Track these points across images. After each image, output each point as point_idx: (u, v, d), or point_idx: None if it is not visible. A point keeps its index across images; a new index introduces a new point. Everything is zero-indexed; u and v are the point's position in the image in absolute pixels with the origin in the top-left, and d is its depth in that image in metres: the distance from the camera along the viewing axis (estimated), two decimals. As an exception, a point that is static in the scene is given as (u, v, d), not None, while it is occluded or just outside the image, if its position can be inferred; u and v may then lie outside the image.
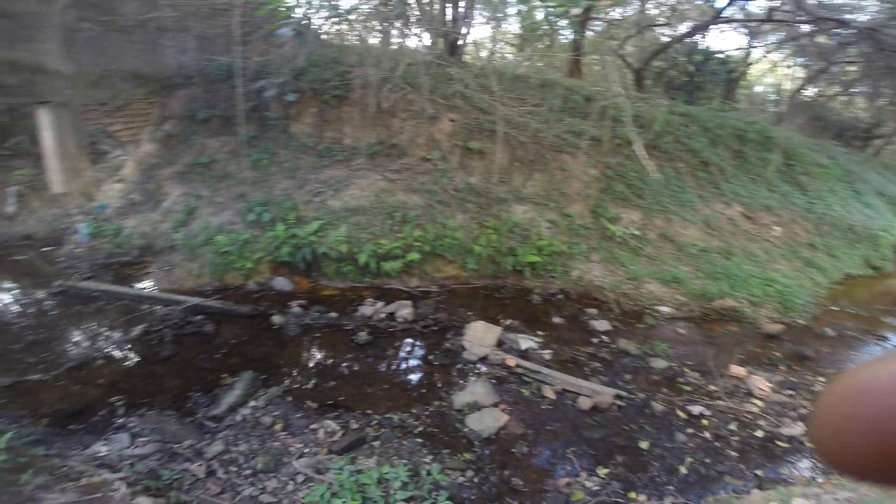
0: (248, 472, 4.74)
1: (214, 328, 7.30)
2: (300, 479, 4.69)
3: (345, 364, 6.70)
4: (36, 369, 6.06)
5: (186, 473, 4.62)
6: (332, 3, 9.92)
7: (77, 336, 7.09)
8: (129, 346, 6.85)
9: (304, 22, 10.00)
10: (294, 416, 5.56)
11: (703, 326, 8.36)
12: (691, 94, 17.26)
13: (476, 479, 4.89)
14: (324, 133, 10.72)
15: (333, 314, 7.79)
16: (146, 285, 8.49)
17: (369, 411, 5.73)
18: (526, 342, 7.25)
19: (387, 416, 5.66)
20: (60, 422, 5.24)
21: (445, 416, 5.76)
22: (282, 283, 8.58)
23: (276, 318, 7.56)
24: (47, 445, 4.64)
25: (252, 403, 5.68)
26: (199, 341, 7.03)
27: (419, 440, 5.34)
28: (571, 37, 15.62)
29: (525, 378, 6.48)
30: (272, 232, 8.73)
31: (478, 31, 20.80)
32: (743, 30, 18.68)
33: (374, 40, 14.99)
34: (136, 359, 6.60)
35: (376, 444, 5.21)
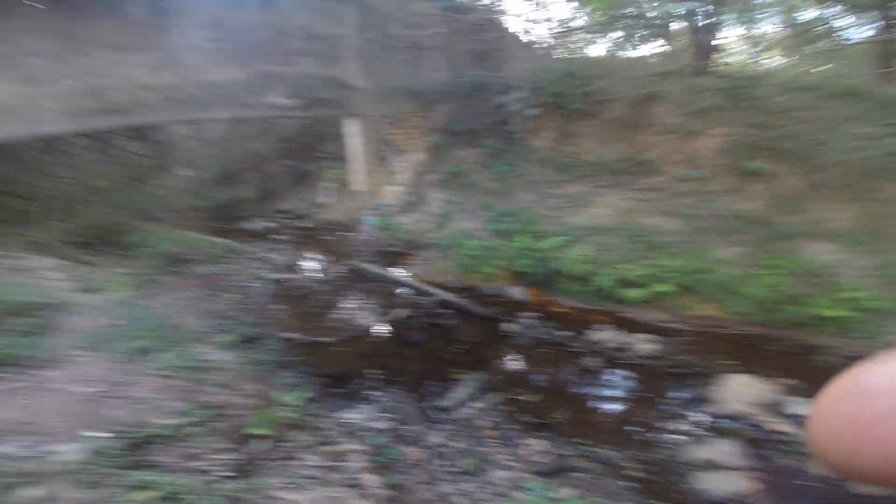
0: (453, 469, 5.07)
1: (457, 324, 8.11)
2: (495, 490, 4.81)
3: (567, 386, 6.62)
4: (325, 333, 7.75)
5: (405, 456, 5.16)
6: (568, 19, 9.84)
7: (356, 308, 8.77)
8: (391, 326, 8.13)
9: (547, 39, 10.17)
10: (507, 427, 5.75)
11: None
12: None
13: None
14: (563, 147, 10.70)
15: (565, 332, 7.73)
16: (408, 274, 9.94)
17: (579, 440, 5.53)
18: (799, 407, 5.96)
19: (596, 449, 5.39)
20: (330, 384, 6.45)
21: (668, 467, 5.21)
22: (517, 292, 8.93)
23: (509, 326, 7.93)
24: (319, 405, 5.72)
25: (476, 404, 6.10)
26: (443, 333, 7.91)
27: (627, 483, 4.97)
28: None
29: (788, 448, 5.38)
30: (513, 242, 9.17)
31: (729, 34, 17.67)
32: None
33: (602, 51, 14.31)
34: (394, 339, 7.82)
35: (579, 475, 5.03)
